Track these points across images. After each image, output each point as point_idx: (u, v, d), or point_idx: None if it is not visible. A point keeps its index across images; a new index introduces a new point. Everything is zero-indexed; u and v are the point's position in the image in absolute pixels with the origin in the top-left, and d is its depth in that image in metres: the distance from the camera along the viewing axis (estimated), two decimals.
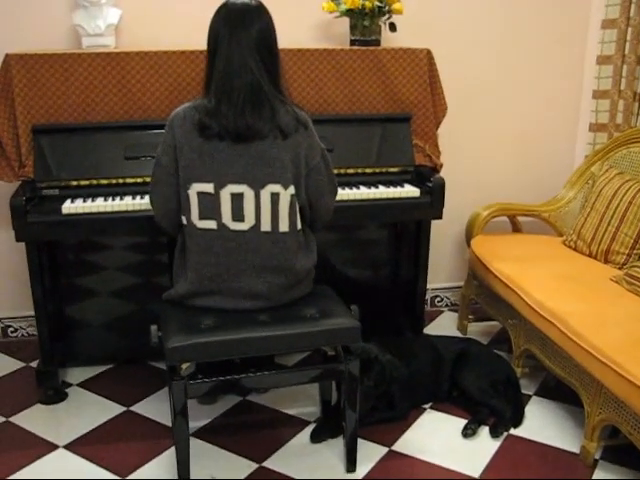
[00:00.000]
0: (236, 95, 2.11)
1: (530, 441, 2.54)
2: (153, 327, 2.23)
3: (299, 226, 2.26)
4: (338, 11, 3.00)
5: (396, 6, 2.97)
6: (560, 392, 2.78)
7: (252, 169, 2.14)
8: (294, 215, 2.23)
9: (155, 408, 2.74)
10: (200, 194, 2.15)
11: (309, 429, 2.59)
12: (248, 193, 2.15)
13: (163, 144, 2.20)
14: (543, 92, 3.55)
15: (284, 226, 2.21)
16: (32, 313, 2.77)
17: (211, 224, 2.17)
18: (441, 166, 3.02)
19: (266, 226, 2.19)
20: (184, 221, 2.21)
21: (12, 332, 3.32)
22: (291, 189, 2.19)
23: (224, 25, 2.13)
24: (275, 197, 2.17)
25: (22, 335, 3.33)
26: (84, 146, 2.69)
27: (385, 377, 2.57)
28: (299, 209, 2.26)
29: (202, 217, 2.17)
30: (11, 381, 2.96)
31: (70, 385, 2.91)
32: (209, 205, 2.16)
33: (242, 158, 2.13)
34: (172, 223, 2.31)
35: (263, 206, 2.17)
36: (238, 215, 2.17)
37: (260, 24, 2.14)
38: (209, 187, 2.15)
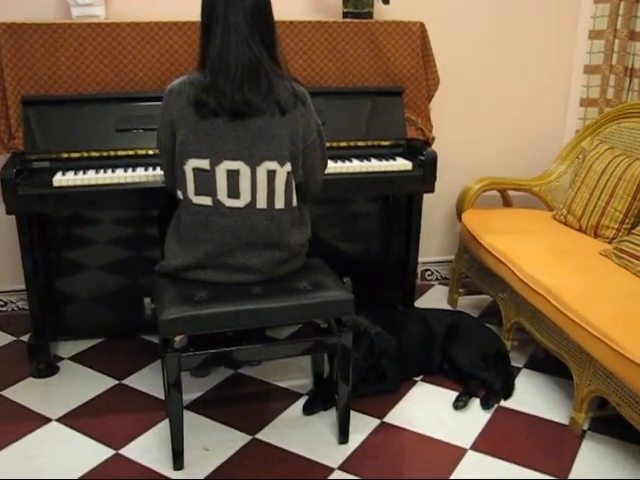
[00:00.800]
0: (233, 70, 2.07)
1: (520, 413, 2.57)
2: (147, 300, 2.22)
3: (294, 203, 2.25)
4: None
5: None
6: (549, 365, 2.82)
7: (248, 146, 2.12)
8: (290, 192, 2.22)
9: (147, 381, 2.74)
10: (196, 170, 2.14)
11: (301, 401, 2.61)
12: (244, 170, 2.13)
13: (161, 120, 2.19)
14: (535, 66, 3.55)
15: (280, 203, 2.20)
16: (22, 287, 2.77)
17: (207, 200, 2.16)
18: (433, 139, 3.03)
19: (262, 203, 2.17)
20: (180, 196, 2.20)
21: (2, 306, 3.31)
22: (287, 166, 2.17)
23: None
24: (271, 174, 2.16)
25: (12, 309, 3.32)
26: (75, 118, 2.66)
27: (374, 350, 2.59)
28: (296, 185, 2.25)
29: (198, 193, 2.16)
30: (2, 355, 2.95)
31: (62, 359, 2.91)
32: (205, 181, 2.14)
33: (238, 134, 2.11)
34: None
35: (259, 183, 2.16)
36: (234, 192, 2.15)
37: None
38: (205, 163, 2.13)
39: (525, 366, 2.89)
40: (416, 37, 2.95)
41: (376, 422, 2.51)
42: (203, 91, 2.08)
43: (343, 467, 2.27)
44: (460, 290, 3.45)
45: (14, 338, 3.09)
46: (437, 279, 3.78)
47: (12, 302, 3.31)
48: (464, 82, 3.45)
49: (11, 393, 2.66)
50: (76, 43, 2.67)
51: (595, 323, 2.26)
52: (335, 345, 2.29)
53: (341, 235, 3.22)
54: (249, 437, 2.42)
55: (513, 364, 2.83)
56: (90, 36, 2.67)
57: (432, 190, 2.85)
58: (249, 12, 2.08)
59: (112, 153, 2.69)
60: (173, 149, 2.17)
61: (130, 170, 2.60)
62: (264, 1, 2.14)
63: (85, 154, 2.67)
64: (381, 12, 3.07)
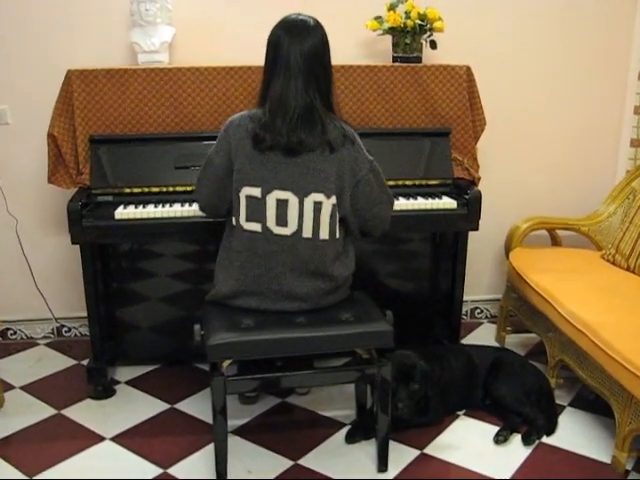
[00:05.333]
0: (291, 113, 2.23)
1: (561, 449, 2.57)
2: (196, 326, 2.35)
3: (338, 235, 2.36)
4: (381, 29, 3.10)
5: (437, 24, 3.06)
6: (594, 404, 2.81)
7: (298, 178, 2.26)
8: (334, 224, 2.33)
9: (197, 406, 2.86)
10: (248, 197, 2.28)
11: (344, 430, 2.67)
12: (293, 200, 2.27)
13: (217, 147, 2.34)
14: (584, 108, 3.58)
15: (324, 234, 2.31)
16: (85, 314, 2.94)
17: (256, 227, 2.30)
18: (479, 179, 3.09)
19: (307, 232, 2.30)
20: (233, 222, 2.35)
21: (66, 332, 3.50)
22: (333, 199, 2.29)
23: (284, 35, 2.24)
24: (318, 205, 2.28)
25: (75, 335, 3.51)
26: (137, 156, 2.85)
27: (430, 380, 2.63)
28: (341, 219, 2.36)
29: (248, 219, 2.30)
30: (64, 377, 3.13)
31: (118, 382, 3.06)
32: (255, 208, 2.29)
33: (289, 167, 2.25)
34: (214, 213, 2.50)
35: (306, 213, 2.28)
36: (282, 220, 2.28)
37: (314, 40, 2.25)
38: (257, 191, 2.27)
39: (570, 404, 2.88)
40: (463, 80, 3.04)
41: (416, 453, 2.55)
42: (261, 128, 2.24)
43: None
44: (508, 328, 3.47)
45: (75, 362, 3.26)
46: (486, 317, 3.80)
47: (74, 328, 3.50)
48: (512, 123, 3.51)
49: (70, 412, 2.82)
50: (140, 87, 2.87)
51: (634, 361, 2.26)
52: (375, 376, 2.36)
53: (390, 271, 3.29)
54: (291, 462, 2.49)
55: (558, 402, 2.83)
56: (153, 80, 2.87)
57: (476, 228, 2.89)
58: (308, 59, 2.23)
59: (171, 189, 2.85)
60: (224, 174, 2.32)
61: (187, 205, 2.74)
62: (322, 49, 2.29)
63: (146, 189, 2.84)
64: (429, 56, 3.18)
